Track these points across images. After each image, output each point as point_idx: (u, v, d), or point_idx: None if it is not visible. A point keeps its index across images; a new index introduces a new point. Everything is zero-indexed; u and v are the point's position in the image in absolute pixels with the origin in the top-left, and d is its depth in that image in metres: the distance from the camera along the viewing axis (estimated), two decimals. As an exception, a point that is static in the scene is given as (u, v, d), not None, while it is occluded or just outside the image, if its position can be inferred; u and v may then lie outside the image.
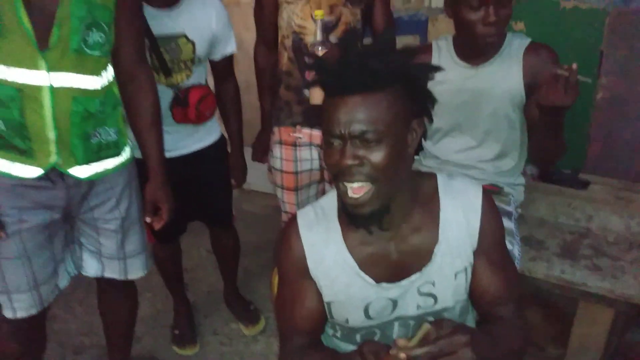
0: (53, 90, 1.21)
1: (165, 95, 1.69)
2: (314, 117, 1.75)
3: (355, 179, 0.92)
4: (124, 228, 1.49)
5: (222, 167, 1.99)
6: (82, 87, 1.27)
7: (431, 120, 1.01)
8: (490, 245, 1.07)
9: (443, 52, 1.59)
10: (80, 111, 1.27)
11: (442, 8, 1.78)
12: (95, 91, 1.30)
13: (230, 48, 1.85)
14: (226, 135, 2.01)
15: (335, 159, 0.93)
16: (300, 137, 1.83)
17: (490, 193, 1.13)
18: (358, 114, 0.89)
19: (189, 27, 1.67)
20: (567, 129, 1.39)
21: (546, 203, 1.92)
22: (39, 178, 1.28)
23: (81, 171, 1.33)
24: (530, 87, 1.48)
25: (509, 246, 1.41)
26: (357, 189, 0.93)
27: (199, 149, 1.87)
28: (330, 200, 1.09)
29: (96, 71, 1.29)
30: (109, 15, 1.27)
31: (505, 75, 1.50)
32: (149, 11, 1.58)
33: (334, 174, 0.95)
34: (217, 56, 1.84)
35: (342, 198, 0.97)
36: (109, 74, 1.36)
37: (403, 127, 0.94)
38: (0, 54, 1.15)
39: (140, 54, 1.43)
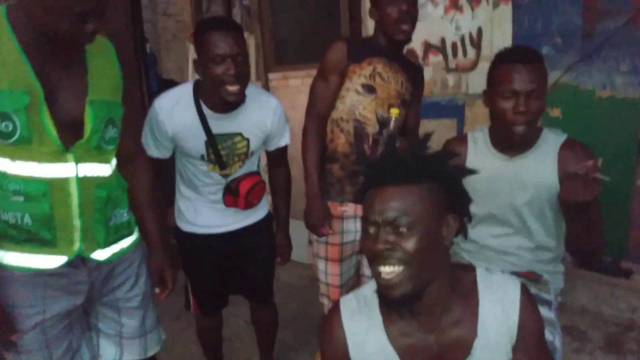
0: (79, 180, 1.26)
1: (218, 181, 1.81)
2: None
3: (388, 262, 0.98)
4: (144, 303, 1.51)
5: (268, 243, 2.05)
6: (102, 174, 1.33)
7: (469, 219, 1.07)
8: (529, 341, 1.08)
9: (479, 143, 1.65)
10: (103, 197, 1.33)
11: (478, 94, 1.87)
12: (110, 176, 1.38)
13: (283, 141, 1.94)
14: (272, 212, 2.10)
15: (370, 244, 1.00)
16: (346, 210, 1.90)
17: (529, 285, 1.15)
18: (392, 203, 0.97)
19: (245, 127, 1.78)
20: (607, 215, 1.41)
21: (588, 291, 1.90)
22: (62, 266, 1.28)
23: (102, 254, 1.37)
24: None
25: (549, 337, 1.40)
26: (389, 272, 0.99)
27: (247, 226, 1.95)
28: (372, 289, 1.14)
29: (110, 159, 1.39)
30: (121, 111, 1.38)
31: (540, 168, 1.53)
32: (209, 112, 1.69)
33: (369, 258, 1.02)
34: (271, 148, 1.94)
35: (376, 280, 1.02)
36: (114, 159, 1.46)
37: (437, 220, 1.01)
38: (30, 154, 1.19)
39: (137, 137, 1.54)
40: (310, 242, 2.04)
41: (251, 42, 3.70)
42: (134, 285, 1.47)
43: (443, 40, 2.77)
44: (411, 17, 1.75)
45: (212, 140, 1.71)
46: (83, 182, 1.27)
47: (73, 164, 1.24)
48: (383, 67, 1.78)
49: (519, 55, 1.48)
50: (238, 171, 1.82)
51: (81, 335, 1.43)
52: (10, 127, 1.14)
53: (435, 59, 2.82)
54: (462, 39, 2.71)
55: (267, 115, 1.81)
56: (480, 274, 1.12)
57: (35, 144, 1.18)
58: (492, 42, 2.61)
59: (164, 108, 1.69)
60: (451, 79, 2.79)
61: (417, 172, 0.99)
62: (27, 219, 1.22)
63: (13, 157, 1.17)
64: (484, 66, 2.56)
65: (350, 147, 1.83)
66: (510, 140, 1.53)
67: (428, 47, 2.83)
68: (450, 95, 2.77)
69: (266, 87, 3.62)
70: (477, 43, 2.67)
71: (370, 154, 1.80)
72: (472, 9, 2.66)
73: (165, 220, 1.82)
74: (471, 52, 2.69)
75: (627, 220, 2.23)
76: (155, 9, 6.20)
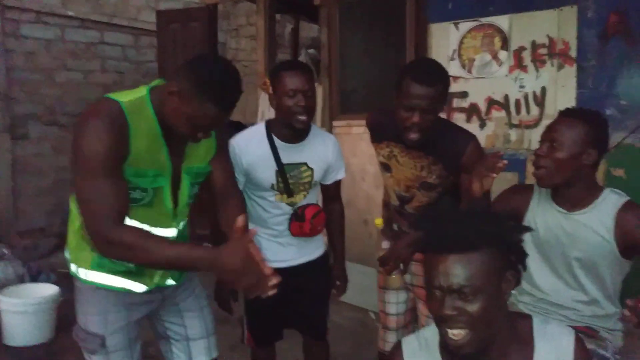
0: (177, 237, 1.54)
1: (286, 210, 1.97)
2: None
3: (455, 326, 1.03)
4: (203, 309, 1.72)
5: (325, 280, 2.15)
6: (184, 226, 1.60)
7: (525, 269, 1.12)
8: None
9: (542, 196, 1.70)
10: (186, 237, 1.60)
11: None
12: (186, 223, 1.62)
13: (340, 175, 2.13)
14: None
15: (436, 307, 1.05)
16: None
17: (584, 339, 1.17)
18: (455, 271, 1.01)
19: (310, 157, 1.98)
20: None
21: (650, 355, 1.84)
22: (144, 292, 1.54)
23: (173, 280, 1.62)
24: (623, 245, 1.52)
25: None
26: (456, 334, 1.04)
27: (306, 262, 2.07)
28: (432, 332, 1.19)
29: (188, 211, 1.63)
30: (208, 172, 1.59)
31: (595, 226, 1.55)
32: (279, 143, 1.92)
33: (436, 320, 1.07)
34: (330, 181, 2.11)
35: (443, 337, 1.07)
36: None
37: (498, 280, 1.05)
38: (145, 217, 1.43)
39: (232, 178, 1.71)
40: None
41: (318, 91, 3.91)
42: (191, 294, 1.70)
43: (506, 97, 2.86)
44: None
45: (282, 169, 1.90)
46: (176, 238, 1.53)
47: (175, 229, 1.52)
48: (400, 151, 1.86)
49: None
50: (302, 201, 1.98)
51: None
52: (143, 196, 1.39)
53: (498, 114, 2.90)
54: (526, 97, 2.79)
55: (328, 148, 2.01)
56: (537, 323, 1.15)
57: (154, 206, 1.43)
58: (556, 101, 2.67)
59: (239, 143, 1.89)
60: (514, 134, 2.85)
61: (477, 240, 1.03)
62: (132, 265, 1.45)
63: (135, 218, 1.39)
64: (546, 124, 2.61)
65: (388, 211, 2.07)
66: (566, 196, 1.61)
67: (491, 103, 2.92)
68: (512, 150, 2.82)
69: (330, 133, 3.79)
70: (540, 101, 2.74)
71: (396, 220, 1.98)
72: (537, 70, 2.75)
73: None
74: (534, 110, 2.76)
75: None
76: (225, 54, 6.67)
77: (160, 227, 1.48)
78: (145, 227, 1.43)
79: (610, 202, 1.57)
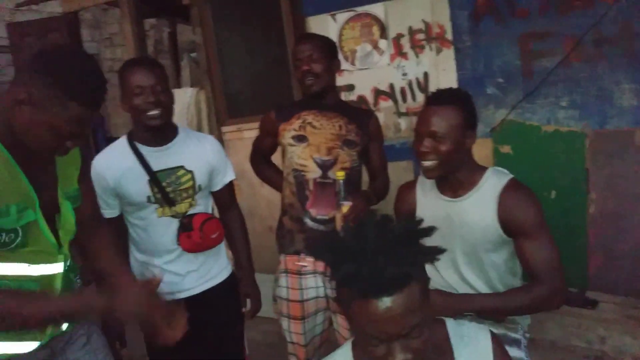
0: (64, 272, 1.32)
1: (172, 227, 1.76)
2: (315, 246, 1.82)
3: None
4: (99, 358, 1.48)
5: (235, 305, 1.95)
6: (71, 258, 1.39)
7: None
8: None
9: (427, 187, 1.65)
10: (74, 279, 1.38)
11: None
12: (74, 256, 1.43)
13: (228, 177, 1.94)
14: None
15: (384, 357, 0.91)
16: (304, 265, 1.87)
17: (496, 327, 1.12)
18: (395, 316, 0.87)
19: (186, 158, 1.79)
20: (565, 246, 1.42)
21: (556, 324, 1.90)
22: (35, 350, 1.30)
23: (65, 325, 1.38)
24: (507, 226, 1.49)
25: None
26: None
27: (209, 289, 1.86)
28: (344, 353, 1.08)
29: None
30: (80, 198, 1.39)
31: (479, 210, 1.52)
32: (145, 149, 1.73)
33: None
34: (218, 186, 1.91)
35: None
36: None
37: (427, 300, 0.95)
38: (20, 258, 1.21)
39: (97, 204, 1.56)
40: (274, 300, 1.97)
41: (202, 96, 3.68)
42: (86, 343, 1.45)
43: (392, 86, 2.84)
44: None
45: (155, 177, 1.71)
46: (65, 273, 1.32)
47: (62, 263, 1.29)
48: (314, 117, 1.87)
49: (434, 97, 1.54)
50: (190, 211, 1.79)
51: None
52: (13, 238, 1.17)
53: (385, 104, 2.88)
54: (410, 84, 2.79)
55: (205, 147, 1.84)
56: (451, 327, 1.09)
57: (30, 247, 1.21)
58: (439, 86, 2.69)
59: (100, 161, 1.72)
60: (403, 123, 2.84)
61: (403, 279, 0.89)
62: None
63: (6, 260, 1.18)
64: (433, 108, 2.64)
65: (294, 196, 1.89)
66: (448, 183, 1.57)
67: (378, 93, 2.89)
68: (403, 139, 2.82)
69: (220, 140, 3.58)
70: (424, 87, 2.75)
71: (313, 198, 1.84)
72: (417, 55, 2.76)
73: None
74: (420, 97, 2.77)
75: (585, 250, 2.28)
76: (101, 65, 6.17)
77: (43, 263, 1.25)
78: (24, 266, 1.20)
79: (492, 183, 1.53)
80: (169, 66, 5.85)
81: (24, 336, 1.25)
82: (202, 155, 1.82)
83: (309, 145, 1.84)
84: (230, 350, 1.99)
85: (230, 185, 1.95)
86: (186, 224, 1.77)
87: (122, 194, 1.70)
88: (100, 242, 1.46)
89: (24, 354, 1.27)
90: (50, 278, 1.28)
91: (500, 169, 1.59)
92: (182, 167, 1.77)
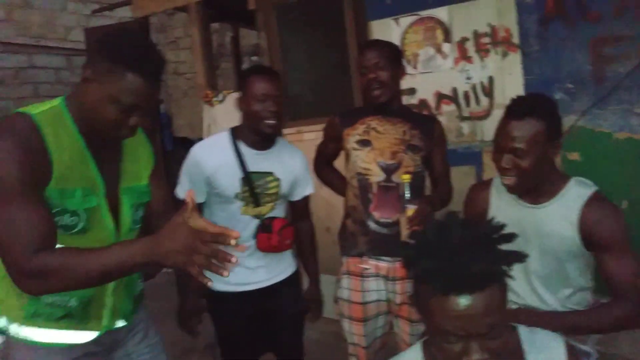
0: None
1: (251, 225, 1.85)
2: (378, 248, 1.88)
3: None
4: (156, 353, 1.54)
5: (298, 299, 2.04)
6: None
7: None
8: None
9: (503, 189, 1.59)
10: (134, 276, 1.43)
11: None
12: None
13: (308, 190, 2.04)
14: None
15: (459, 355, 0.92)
16: (367, 268, 1.91)
17: (573, 345, 1.10)
18: (475, 314, 0.89)
19: (277, 167, 1.89)
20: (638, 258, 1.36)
21: (628, 338, 1.83)
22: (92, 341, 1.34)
23: (124, 321, 1.43)
24: (589, 239, 1.45)
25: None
26: None
27: (275, 283, 1.94)
28: (415, 354, 1.10)
29: (135, 236, 1.44)
30: (149, 195, 1.44)
31: (560, 219, 1.48)
32: (246, 150, 1.83)
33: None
34: (298, 197, 2.01)
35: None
36: None
37: (505, 304, 0.96)
38: (85, 242, 1.23)
39: (169, 197, 1.59)
40: (335, 301, 2.02)
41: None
42: (144, 338, 1.51)
43: (455, 90, 2.82)
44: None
45: (248, 177, 1.81)
46: None
47: None
48: (378, 122, 1.91)
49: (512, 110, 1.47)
50: (269, 213, 1.88)
51: None
52: (76, 221, 1.22)
53: (448, 108, 2.86)
54: (474, 89, 2.75)
55: (295, 160, 1.94)
56: (524, 334, 1.09)
57: (91, 232, 1.25)
58: (504, 90, 2.65)
59: (201, 150, 1.84)
60: (466, 127, 2.81)
61: (487, 278, 0.90)
62: (73, 302, 1.28)
63: (68, 245, 1.21)
64: (497, 113, 2.60)
65: (357, 199, 1.93)
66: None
67: (440, 97, 2.87)
68: (466, 143, 2.79)
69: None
70: (489, 92, 2.71)
71: (377, 201, 1.87)
72: (482, 59, 2.72)
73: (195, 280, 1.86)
74: (484, 101, 2.73)
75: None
76: (166, 67, 6.43)
77: None
78: None
79: (575, 194, 1.49)
80: (230, 69, 6.05)
81: (83, 324, 1.31)
82: (291, 167, 1.93)
83: (373, 150, 1.88)
84: (291, 344, 2.07)
85: (307, 198, 2.06)
86: (267, 226, 1.87)
87: (215, 184, 1.80)
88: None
89: (83, 343, 1.32)
90: None
91: (583, 179, 1.54)
92: (272, 173, 1.87)
